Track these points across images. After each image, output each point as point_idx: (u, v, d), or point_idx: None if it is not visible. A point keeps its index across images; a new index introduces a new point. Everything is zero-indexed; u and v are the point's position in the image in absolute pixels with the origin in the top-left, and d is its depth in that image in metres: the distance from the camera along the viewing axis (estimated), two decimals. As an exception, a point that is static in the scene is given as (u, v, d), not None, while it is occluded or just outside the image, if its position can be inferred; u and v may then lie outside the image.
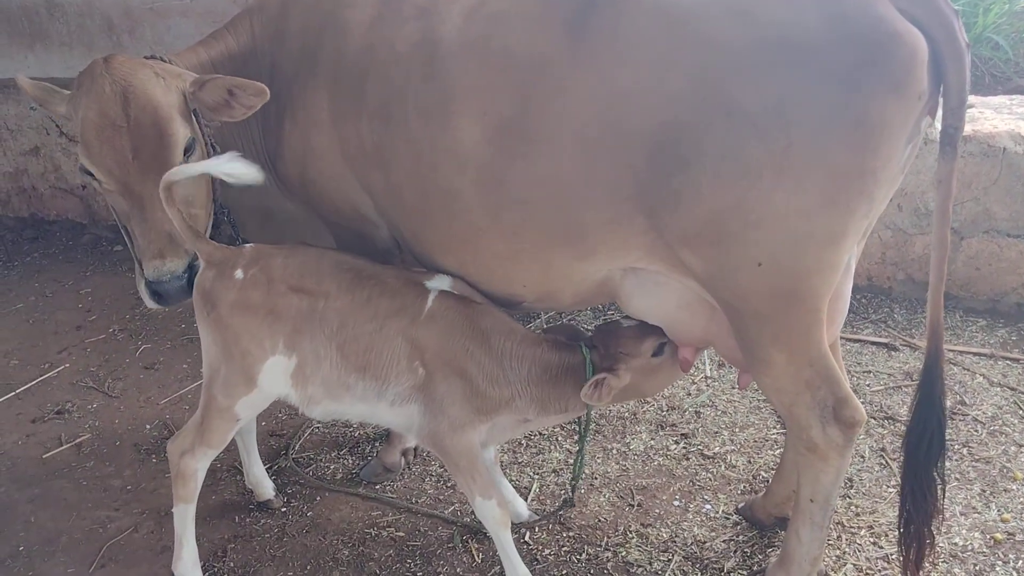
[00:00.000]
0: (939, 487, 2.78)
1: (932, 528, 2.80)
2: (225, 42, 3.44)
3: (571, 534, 3.60)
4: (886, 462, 3.87)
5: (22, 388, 5.03)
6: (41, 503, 4.03)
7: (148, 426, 4.59)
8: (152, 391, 4.93)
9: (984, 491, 3.67)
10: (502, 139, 2.79)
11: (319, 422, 4.43)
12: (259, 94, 3.07)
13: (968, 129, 4.69)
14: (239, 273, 3.06)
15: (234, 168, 2.85)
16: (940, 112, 2.53)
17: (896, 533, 2.88)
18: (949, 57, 2.42)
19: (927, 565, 2.89)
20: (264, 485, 3.89)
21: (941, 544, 3.34)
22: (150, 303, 3.15)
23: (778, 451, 4.00)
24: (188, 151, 3.08)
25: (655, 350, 3.07)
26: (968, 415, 4.16)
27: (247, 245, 3.22)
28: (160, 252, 3.04)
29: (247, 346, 3.05)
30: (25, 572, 3.61)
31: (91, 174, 3.04)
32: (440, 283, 3.15)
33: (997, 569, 3.26)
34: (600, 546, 3.52)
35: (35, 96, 3.20)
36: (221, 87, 3.07)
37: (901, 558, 2.87)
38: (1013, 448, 3.91)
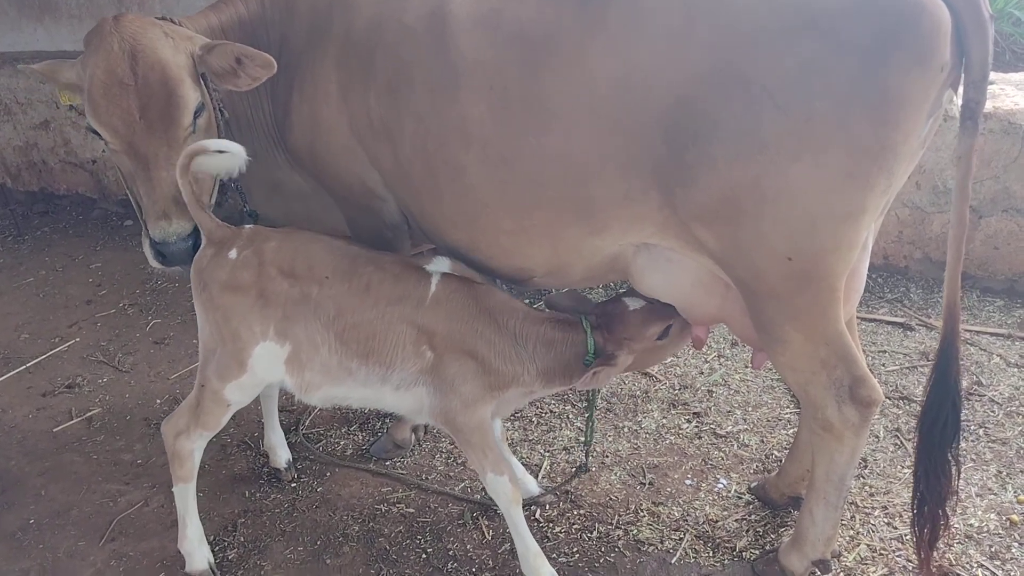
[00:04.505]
0: (954, 468, 2.75)
1: (946, 509, 2.77)
2: (235, 8, 3.38)
3: (582, 512, 3.58)
4: (901, 442, 3.84)
5: (32, 362, 5.04)
6: (52, 476, 4.04)
7: (158, 400, 4.59)
8: (162, 366, 4.93)
9: (1000, 472, 3.63)
10: (511, 114, 2.75)
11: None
12: (266, 66, 3.03)
13: (988, 106, 4.61)
14: (233, 253, 3.04)
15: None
16: (961, 86, 2.47)
17: (910, 514, 2.86)
18: (972, 29, 2.35)
19: (942, 546, 2.86)
20: (278, 453, 3.90)
21: (957, 525, 3.32)
22: (153, 262, 3.12)
23: (791, 430, 3.97)
24: (197, 114, 3.04)
25: (660, 334, 3.05)
26: (984, 396, 4.12)
27: (248, 226, 3.19)
28: (165, 213, 3.00)
29: (237, 328, 3.02)
30: (35, 545, 3.61)
31: (98, 133, 3.00)
32: (441, 266, 3.12)
33: (1013, 550, 3.23)
34: (611, 524, 3.50)
35: (43, 72, 3.15)
36: (230, 54, 3.02)
37: (915, 539, 2.85)
38: (1030, 429, 3.87)
